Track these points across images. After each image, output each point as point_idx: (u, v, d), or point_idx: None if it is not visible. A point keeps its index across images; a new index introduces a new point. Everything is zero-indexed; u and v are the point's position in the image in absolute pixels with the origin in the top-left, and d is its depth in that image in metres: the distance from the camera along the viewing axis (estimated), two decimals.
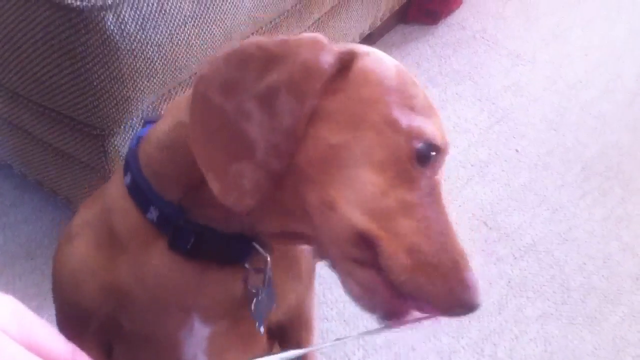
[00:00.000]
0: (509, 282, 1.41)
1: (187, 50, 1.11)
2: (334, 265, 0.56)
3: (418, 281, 0.52)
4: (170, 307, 0.65)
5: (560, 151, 1.73)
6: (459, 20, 2.14)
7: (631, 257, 1.48)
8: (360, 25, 1.76)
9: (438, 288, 0.52)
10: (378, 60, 0.58)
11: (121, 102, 1.07)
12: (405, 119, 0.55)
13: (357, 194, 0.53)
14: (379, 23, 1.87)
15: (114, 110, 1.07)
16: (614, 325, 1.35)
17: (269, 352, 0.81)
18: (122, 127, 1.13)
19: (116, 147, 1.14)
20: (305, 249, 0.74)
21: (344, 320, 1.31)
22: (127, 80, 1.05)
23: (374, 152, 0.54)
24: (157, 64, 1.07)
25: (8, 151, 1.39)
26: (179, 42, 1.09)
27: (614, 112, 1.86)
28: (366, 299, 0.54)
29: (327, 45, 0.56)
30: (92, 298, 0.65)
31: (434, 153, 0.55)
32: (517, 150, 1.72)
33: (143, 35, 1.02)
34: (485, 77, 1.95)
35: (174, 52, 1.09)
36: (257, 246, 0.62)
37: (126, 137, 1.15)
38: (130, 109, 1.09)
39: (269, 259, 0.63)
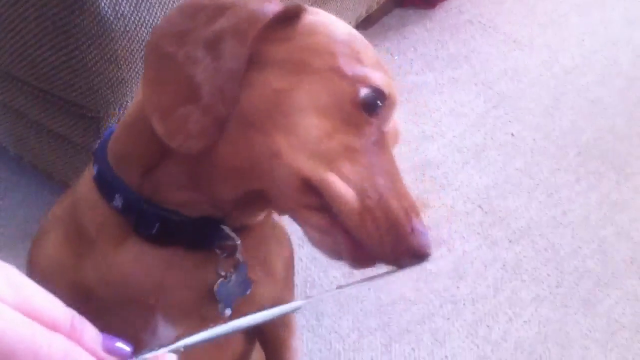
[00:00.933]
0: (504, 265, 1.41)
1: None
2: (293, 218, 0.57)
3: (366, 226, 0.51)
4: (134, 306, 0.63)
5: (556, 136, 1.73)
6: (456, 4, 2.14)
7: (625, 241, 1.48)
8: (357, 8, 1.75)
9: (386, 235, 0.52)
10: (328, 17, 0.59)
11: (116, 84, 1.06)
12: (351, 68, 0.55)
13: (301, 139, 0.53)
14: (375, 6, 1.86)
15: (109, 92, 1.07)
16: (608, 309, 1.35)
17: (246, 353, 0.80)
18: (117, 109, 1.13)
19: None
20: (282, 250, 0.74)
21: (339, 303, 1.32)
22: (122, 62, 1.04)
23: (318, 97, 0.54)
24: None
25: (3, 134, 1.38)
26: None
27: (610, 97, 1.86)
28: (326, 243, 0.54)
29: None
30: (60, 297, 0.64)
31: (379, 103, 0.55)
32: (513, 135, 1.72)
33: (137, 17, 1.02)
34: (482, 61, 1.94)
35: None
36: (226, 229, 0.61)
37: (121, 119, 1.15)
38: (125, 91, 1.09)
39: (238, 242, 0.62)
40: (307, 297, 0.52)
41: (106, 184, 0.61)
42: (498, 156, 1.66)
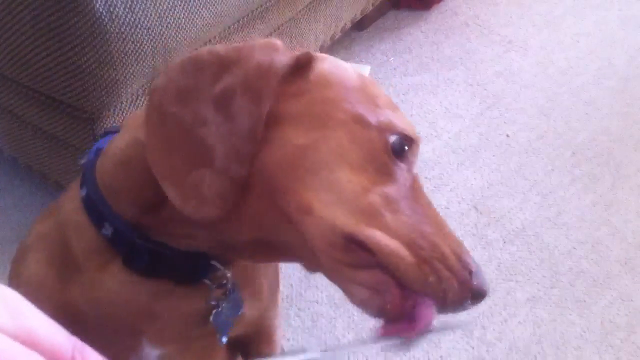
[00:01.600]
0: (499, 265, 1.42)
1: (177, 33, 1.11)
2: (329, 276, 0.53)
3: (427, 278, 0.49)
4: (120, 330, 0.62)
5: (550, 137, 1.73)
6: (451, 6, 2.14)
7: (620, 242, 1.48)
8: (352, 10, 1.75)
9: (448, 281, 0.49)
10: (336, 62, 0.58)
11: (110, 86, 1.06)
12: (373, 115, 0.54)
13: (337, 195, 0.50)
14: (370, 8, 1.86)
15: (103, 93, 1.07)
16: (603, 309, 1.35)
17: None
18: (111, 110, 1.13)
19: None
20: (267, 270, 0.73)
21: (334, 304, 1.32)
22: (117, 64, 1.04)
23: (346, 150, 0.52)
24: (146, 47, 1.06)
25: None
26: (169, 24, 1.08)
27: (604, 98, 1.87)
28: (376, 301, 0.50)
29: (281, 47, 0.55)
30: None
31: (406, 147, 0.54)
32: (508, 136, 1.72)
33: (132, 18, 1.02)
34: (477, 62, 1.95)
35: (164, 35, 1.08)
36: (216, 263, 0.60)
37: (116, 121, 1.15)
38: (119, 92, 1.09)
39: (228, 274, 0.62)
40: (326, 349, 0.50)
41: (95, 210, 0.59)
42: (493, 157, 1.66)
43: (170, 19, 1.08)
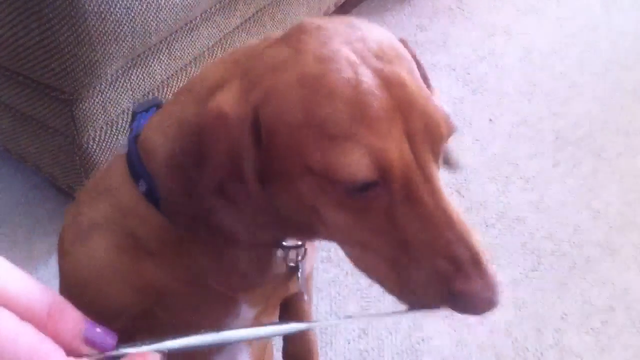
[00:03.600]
0: None
1: (157, 14, 1.09)
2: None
3: (409, 298, 0.52)
4: (218, 297, 0.65)
5: (533, 121, 1.73)
6: None
7: (601, 225, 1.49)
8: None
9: (433, 297, 0.51)
10: (279, 97, 0.51)
11: (89, 66, 1.05)
12: (320, 161, 0.49)
13: (341, 235, 0.54)
14: None
15: (82, 74, 1.06)
16: (583, 292, 1.36)
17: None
18: (90, 91, 1.11)
19: (85, 112, 1.13)
20: None
21: (317, 287, 1.32)
22: (96, 44, 1.03)
23: (318, 198, 0.51)
24: (125, 27, 1.05)
25: None
26: (149, 4, 1.07)
27: (587, 82, 1.87)
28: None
29: (231, 113, 0.51)
30: (122, 300, 0.64)
31: (369, 181, 0.50)
32: (490, 120, 1.72)
33: None
34: (460, 47, 1.94)
35: (143, 16, 1.07)
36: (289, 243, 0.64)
37: (95, 102, 1.13)
38: (99, 73, 1.08)
39: (302, 245, 0.66)
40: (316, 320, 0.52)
41: (168, 206, 0.59)
42: (476, 141, 1.66)
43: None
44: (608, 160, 1.65)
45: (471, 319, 1.28)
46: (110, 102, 1.16)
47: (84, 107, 1.12)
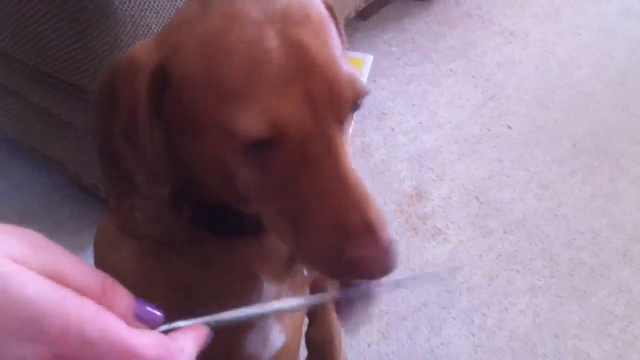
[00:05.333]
0: (499, 255, 1.43)
1: None
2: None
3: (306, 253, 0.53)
4: (240, 278, 0.66)
5: (551, 128, 1.74)
6: None
7: (619, 233, 1.50)
8: None
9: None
10: (184, 53, 0.52)
11: None
12: (219, 117, 0.51)
13: (248, 192, 0.55)
14: None
15: None
16: (601, 299, 1.37)
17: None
18: None
19: None
20: None
21: None
22: (126, 47, 1.04)
23: (224, 153, 0.52)
24: (155, 30, 1.07)
25: (2, 116, 1.38)
26: (178, 7, 1.08)
27: (604, 90, 1.88)
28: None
29: (142, 61, 0.53)
30: (155, 301, 0.66)
31: (262, 139, 0.50)
32: (509, 127, 1.73)
33: (142, 1, 1.02)
34: (479, 54, 1.95)
35: None
36: None
37: None
38: None
39: None
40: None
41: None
42: (494, 148, 1.67)
43: (180, 3, 1.08)
44: (625, 168, 1.65)
45: (488, 322, 1.29)
46: None
47: None
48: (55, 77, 1.14)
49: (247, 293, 0.68)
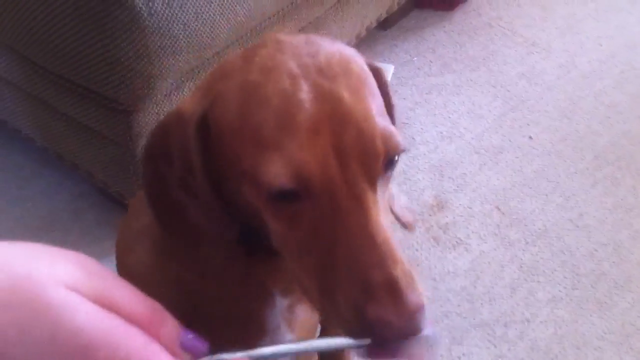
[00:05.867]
0: (521, 266, 1.43)
1: (212, 29, 1.12)
2: None
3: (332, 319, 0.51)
4: (253, 291, 0.67)
5: (573, 139, 1.74)
6: (475, 7, 2.15)
7: None
8: (378, 9, 1.77)
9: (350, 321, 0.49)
10: (224, 101, 0.54)
11: (147, 79, 1.08)
12: (250, 165, 0.51)
13: (277, 242, 0.55)
14: (395, 7, 1.88)
15: (139, 86, 1.09)
16: (623, 311, 1.36)
17: None
18: (146, 103, 1.15)
19: (140, 123, 1.16)
20: None
21: None
22: (153, 57, 1.06)
23: (255, 201, 0.53)
24: (182, 42, 1.08)
25: (30, 125, 1.41)
26: (204, 20, 1.10)
27: (626, 101, 1.87)
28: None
29: (184, 115, 0.55)
30: (167, 302, 0.68)
31: (287, 190, 0.50)
32: (530, 137, 1.73)
33: (170, 13, 1.04)
34: (500, 64, 1.96)
35: (199, 31, 1.10)
36: None
37: (150, 113, 1.17)
38: (155, 86, 1.11)
39: None
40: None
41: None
42: (515, 158, 1.67)
43: (206, 16, 1.10)
44: None
45: (509, 333, 1.29)
46: (164, 114, 1.19)
47: (139, 118, 1.15)
48: (83, 86, 1.16)
49: (257, 305, 0.69)
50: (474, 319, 1.33)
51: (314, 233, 0.51)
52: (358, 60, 0.56)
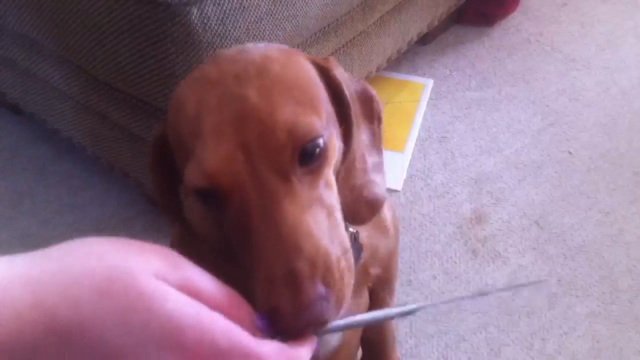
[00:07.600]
0: (559, 280, 1.44)
1: None
2: None
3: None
4: None
5: (612, 156, 1.75)
6: (514, 23, 2.17)
7: None
8: (419, 24, 1.80)
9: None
10: (168, 118, 0.60)
11: None
12: (184, 160, 0.56)
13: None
14: (436, 23, 1.90)
15: None
16: None
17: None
18: None
19: None
20: (390, 210, 0.84)
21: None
22: None
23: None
24: None
25: (82, 134, 1.46)
26: (254, 37, 1.14)
27: None
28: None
29: (152, 136, 0.62)
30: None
31: (202, 189, 0.53)
32: (569, 153, 1.74)
33: (223, 30, 1.08)
34: (539, 80, 1.97)
35: None
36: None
37: None
38: None
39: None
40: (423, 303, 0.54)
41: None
42: (555, 174, 1.68)
43: (257, 32, 1.14)
44: None
45: (547, 347, 1.30)
46: None
47: None
48: (136, 98, 1.21)
49: None
50: (512, 332, 1.34)
51: (235, 231, 0.53)
52: (283, 61, 0.56)
